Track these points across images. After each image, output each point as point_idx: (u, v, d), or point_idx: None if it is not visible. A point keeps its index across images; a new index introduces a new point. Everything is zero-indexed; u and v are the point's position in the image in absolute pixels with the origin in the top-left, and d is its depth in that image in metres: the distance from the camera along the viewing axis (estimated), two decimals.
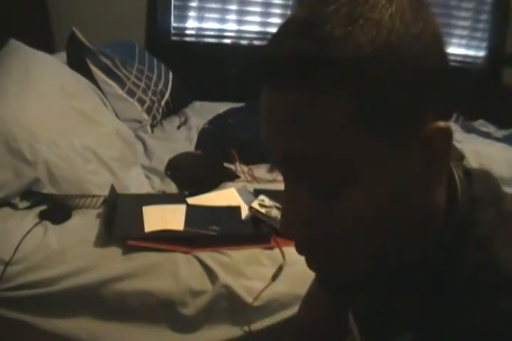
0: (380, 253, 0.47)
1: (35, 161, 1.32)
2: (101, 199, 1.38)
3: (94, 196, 1.38)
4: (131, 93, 2.07)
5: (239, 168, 1.70)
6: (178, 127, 2.17)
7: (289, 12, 2.66)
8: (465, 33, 2.87)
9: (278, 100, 0.42)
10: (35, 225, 1.23)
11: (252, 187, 1.54)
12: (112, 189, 1.37)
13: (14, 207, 1.31)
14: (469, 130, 2.29)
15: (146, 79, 2.19)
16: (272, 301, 1.15)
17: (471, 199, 0.48)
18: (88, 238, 1.21)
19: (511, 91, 2.66)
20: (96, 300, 1.14)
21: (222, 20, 2.72)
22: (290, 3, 2.66)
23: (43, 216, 1.28)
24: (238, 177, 1.65)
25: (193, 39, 2.75)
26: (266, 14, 2.67)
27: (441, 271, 0.47)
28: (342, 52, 0.39)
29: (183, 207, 1.35)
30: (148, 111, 2.11)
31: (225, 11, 2.70)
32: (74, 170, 1.38)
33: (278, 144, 0.44)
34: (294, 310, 1.07)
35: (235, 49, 2.71)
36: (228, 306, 1.15)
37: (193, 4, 2.68)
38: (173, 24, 2.68)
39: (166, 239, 1.21)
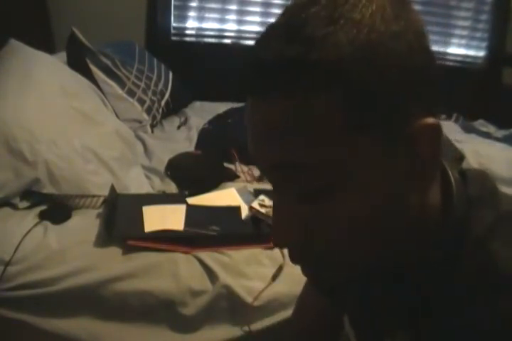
0: (375, 253, 0.47)
1: (35, 161, 1.32)
2: (101, 199, 1.38)
3: (94, 196, 1.38)
4: (131, 93, 2.07)
5: (239, 168, 1.70)
6: (178, 127, 2.17)
7: None
8: (465, 33, 2.87)
9: (264, 109, 0.42)
10: (35, 225, 1.23)
11: (252, 187, 1.54)
12: (112, 189, 1.37)
13: (14, 207, 1.31)
14: (469, 130, 2.29)
15: (146, 79, 2.19)
16: (271, 301, 1.15)
17: (467, 200, 0.48)
18: (88, 238, 1.21)
19: (511, 91, 2.66)
20: (96, 300, 1.14)
21: (222, 20, 2.72)
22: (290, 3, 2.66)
23: (43, 216, 1.28)
24: (238, 177, 1.65)
25: (193, 39, 2.75)
26: (266, 14, 2.67)
27: (439, 271, 0.47)
28: (324, 53, 0.39)
29: (183, 207, 1.35)
30: (148, 111, 2.11)
31: (225, 11, 2.70)
32: (74, 170, 1.38)
33: (267, 153, 0.43)
34: None
35: (235, 49, 2.71)
36: (228, 306, 1.15)
37: (193, 4, 2.68)
38: (173, 24, 2.68)
39: (166, 239, 1.21)
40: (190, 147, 1.91)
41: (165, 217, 1.29)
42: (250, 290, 1.15)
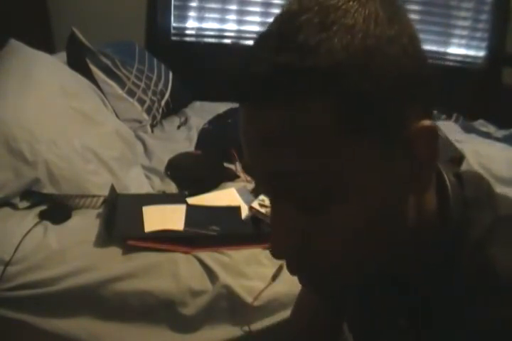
0: (373, 258, 0.46)
1: (35, 161, 1.32)
2: (101, 199, 1.38)
3: (94, 196, 1.38)
4: (131, 93, 2.07)
5: (239, 167, 1.70)
6: (178, 127, 2.17)
7: None
8: (465, 33, 2.87)
9: (259, 118, 0.41)
10: (35, 225, 1.23)
11: (252, 187, 1.54)
12: (112, 189, 1.37)
13: (14, 207, 1.31)
14: (469, 130, 2.29)
15: (146, 79, 2.19)
16: (271, 301, 1.15)
17: (463, 202, 0.48)
18: (88, 238, 1.21)
19: (511, 91, 2.66)
20: (96, 300, 1.14)
21: (222, 20, 2.72)
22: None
23: (43, 216, 1.28)
24: (238, 177, 1.65)
25: (193, 39, 2.75)
26: (266, 14, 2.67)
27: (438, 273, 0.47)
28: (319, 60, 0.39)
29: (183, 207, 1.35)
30: (148, 111, 2.11)
31: (225, 11, 2.70)
32: (74, 170, 1.38)
33: (263, 162, 0.43)
34: None
35: (235, 49, 2.71)
36: (228, 306, 1.15)
37: (193, 4, 2.68)
38: (173, 24, 2.68)
39: (166, 239, 1.21)
40: (190, 147, 1.91)
41: (165, 217, 1.29)
42: (250, 290, 1.15)
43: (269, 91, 0.40)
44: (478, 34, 2.86)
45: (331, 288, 0.50)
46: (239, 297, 1.14)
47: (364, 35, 0.39)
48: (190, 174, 1.62)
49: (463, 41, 2.88)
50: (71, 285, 1.13)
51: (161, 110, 2.20)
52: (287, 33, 0.40)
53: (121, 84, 2.05)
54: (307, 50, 0.39)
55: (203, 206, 1.37)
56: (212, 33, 2.74)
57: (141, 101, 2.09)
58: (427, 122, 0.42)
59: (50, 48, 2.14)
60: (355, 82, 0.39)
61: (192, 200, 1.40)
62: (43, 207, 1.32)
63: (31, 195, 1.34)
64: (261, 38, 0.43)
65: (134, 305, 1.14)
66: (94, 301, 1.14)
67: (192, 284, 1.15)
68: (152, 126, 2.09)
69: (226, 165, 1.70)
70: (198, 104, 2.49)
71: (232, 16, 2.71)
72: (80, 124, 1.55)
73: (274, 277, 1.17)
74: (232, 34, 2.75)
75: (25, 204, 1.33)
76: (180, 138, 2.02)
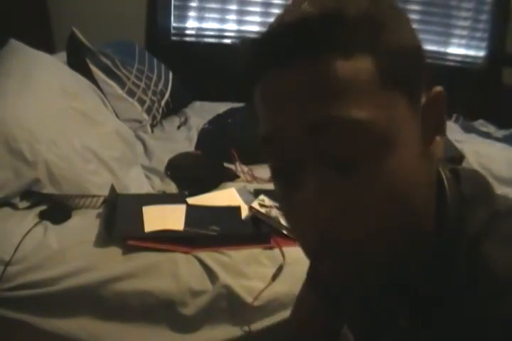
0: (401, 235, 0.45)
1: (35, 161, 1.32)
2: (101, 199, 1.38)
3: (94, 196, 1.38)
4: (131, 93, 2.07)
5: (239, 168, 1.70)
6: (178, 127, 2.17)
7: None
8: (465, 33, 2.87)
9: (311, 70, 0.41)
10: (35, 225, 1.23)
11: (252, 187, 1.54)
12: (112, 189, 1.37)
13: (14, 207, 1.31)
14: (469, 130, 2.29)
15: (146, 79, 2.19)
16: (271, 301, 1.15)
17: (460, 198, 0.48)
18: (88, 238, 1.21)
19: (511, 91, 2.66)
20: (96, 300, 1.14)
21: (222, 20, 2.72)
22: None
23: (43, 216, 1.28)
24: (238, 177, 1.65)
25: (193, 39, 2.75)
26: (266, 14, 2.67)
27: (437, 272, 0.47)
28: (363, 10, 0.41)
29: (183, 207, 1.35)
30: (148, 111, 2.11)
31: (225, 11, 2.70)
32: (74, 170, 1.38)
33: (308, 116, 0.41)
34: None
35: (235, 49, 2.71)
36: (228, 306, 1.15)
37: (193, 4, 2.68)
38: (173, 24, 2.68)
39: (166, 239, 1.21)
40: (190, 147, 1.91)
41: (165, 217, 1.29)
42: (250, 290, 1.15)
43: (327, 41, 0.41)
44: (478, 34, 2.86)
45: (356, 271, 0.46)
46: (239, 297, 1.14)
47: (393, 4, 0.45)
48: (190, 174, 1.62)
49: (463, 41, 2.88)
50: (71, 285, 1.13)
51: (161, 110, 2.20)
52: None
53: (121, 84, 2.05)
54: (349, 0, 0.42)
55: (203, 206, 1.37)
56: (212, 33, 2.74)
57: (141, 101, 2.09)
58: (438, 88, 0.47)
59: (50, 48, 2.14)
60: (392, 36, 0.42)
61: (192, 200, 1.40)
62: (43, 207, 1.32)
63: (31, 195, 1.34)
64: None
65: (134, 305, 1.14)
66: (94, 301, 1.14)
67: (192, 284, 1.15)
68: (152, 126, 2.09)
69: (226, 165, 1.71)
70: (198, 104, 2.49)
71: (232, 16, 2.71)
72: (80, 124, 1.55)
73: (274, 277, 1.17)
74: (232, 34, 2.75)
75: (25, 204, 1.33)
76: (180, 138, 2.02)
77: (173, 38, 2.70)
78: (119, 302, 1.14)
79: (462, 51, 2.89)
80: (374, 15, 0.42)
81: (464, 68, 2.87)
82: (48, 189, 1.33)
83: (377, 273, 0.46)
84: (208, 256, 1.19)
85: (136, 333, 1.14)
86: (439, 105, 0.47)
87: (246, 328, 1.14)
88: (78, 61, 1.96)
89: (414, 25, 0.47)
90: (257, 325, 1.14)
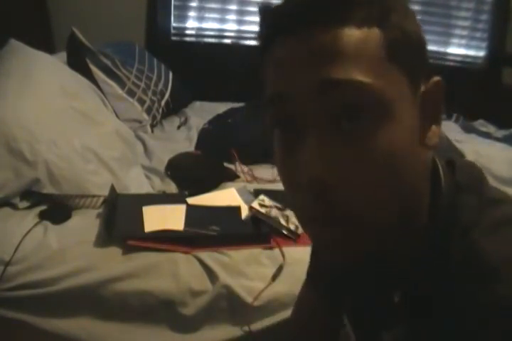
0: (393, 206, 0.46)
1: (35, 161, 1.32)
2: (101, 199, 1.38)
3: (94, 196, 1.38)
4: (131, 93, 2.07)
5: (239, 168, 1.70)
6: (178, 127, 2.17)
7: None
8: (465, 33, 2.87)
9: (328, 35, 0.44)
10: (35, 225, 1.23)
11: (252, 187, 1.54)
12: (112, 189, 1.37)
13: (14, 207, 1.31)
14: (469, 130, 2.29)
15: (146, 79, 2.19)
16: (272, 301, 1.14)
17: (454, 187, 0.50)
18: (88, 238, 1.21)
19: (511, 92, 2.66)
20: (96, 300, 1.14)
21: (222, 20, 2.72)
22: None
23: (43, 216, 1.28)
24: (238, 177, 1.65)
25: (193, 39, 2.76)
26: None
27: (430, 261, 0.48)
28: None
29: (183, 207, 1.35)
30: (148, 111, 2.11)
31: (225, 11, 2.70)
32: (74, 170, 1.38)
33: (318, 75, 0.44)
34: None
35: (235, 49, 2.71)
36: (228, 306, 1.15)
37: (193, 4, 2.68)
38: (173, 24, 2.68)
39: (166, 239, 1.21)
40: (190, 147, 1.91)
41: (165, 217, 1.29)
42: (250, 290, 1.15)
43: (341, 12, 0.44)
44: (478, 34, 2.86)
45: (356, 245, 0.47)
46: (239, 297, 1.14)
47: None
48: (190, 174, 1.62)
49: (463, 41, 2.88)
50: (71, 285, 1.13)
51: (161, 110, 2.20)
52: None
53: (121, 84, 2.05)
54: None
55: (203, 206, 1.37)
56: (212, 33, 2.75)
57: (141, 101, 2.09)
58: (437, 78, 0.49)
59: (50, 48, 2.14)
60: (400, 19, 0.46)
61: (192, 200, 1.40)
62: (43, 207, 1.32)
63: (31, 195, 1.34)
64: None
65: (134, 305, 1.14)
66: (94, 301, 1.14)
67: (192, 284, 1.15)
68: (152, 126, 2.09)
69: (226, 165, 1.71)
70: (198, 104, 2.50)
71: (232, 16, 2.71)
72: (80, 124, 1.55)
73: (274, 277, 1.17)
74: (232, 34, 2.75)
75: (25, 204, 1.33)
76: (180, 138, 2.02)
77: (173, 38, 2.70)
78: (119, 302, 1.14)
79: (462, 51, 2.89)
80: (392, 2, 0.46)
81: (464, 68, 2.87)
82: (48, 189, 1.33)
83: (376, 240, 0.47)
84: (208, 256, 1.19)
85: (136, 333, 1.14)
86: (437, 94, 0.49)
87: (246, 328, 1.14)
88: (78, 61, 1.96)
89: None
90: (257, 325, 1.14)
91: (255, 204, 1.32)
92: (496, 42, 2.80)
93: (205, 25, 2.72)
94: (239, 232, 1.29)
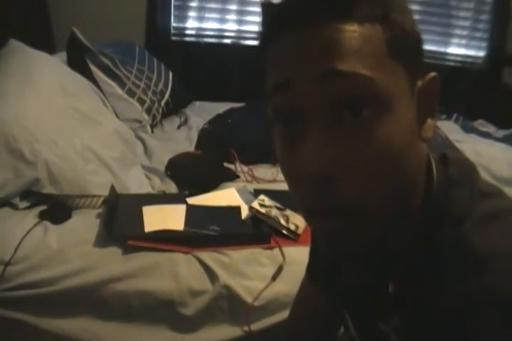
0: (395, 198, 0.47)
1: (35, 161, 1.32)
2: (101, 199, 1.38)
3: (94, 196, 1.38)
4: (131, 93, 2.07)
5: (239, 168, 1.70)
6: (178, 127, 2.17)
7: None
8: (465, 33, 2.87)
9: (335, 30, 0.45)
10: (35, 225, 1.23)
11: (252, 187, 1.54)
12: (112, 189, 1.37)
13: (14, 207, 1.31)
14: (469, 130, 2.29)
15: (146, 79, 2.19)
16: (272, 301, 1.15)
17: (446, 180, 0.51)
18: (88, 238, 1.21)
19: (511, 92, 2.66)
20: (96, 300, 1.14)
21: (222, 20, 2.72)
22: None
23: (43, 216, 1.28)
24: (238, 177, 1.65)
25: (193, 39, 2.75)
26: None
27: (419, 248, 0.50)
28: None
29: (183, 207, 1.35)
30: (148, 111, 2.11)
31: (225, 11, 2.70)
32: (74, 170, 1.38)
33: (326, 65, 0.45)
34: None
35: (235, 49, 2.71)
36: (228, 306, 1.15)
37: (193, 4, 2.68)
38: (173, 24, 2.68)
39: (166, 239, 1.21)
40: (190, 147, 1.91)
41: (165, 217, 1.29)
42: (250, 290, 1.15)
43: (346, 9, 0.45)
44: (478, 34, 2.86)
45: (359, 235, 0.48)
46: (239, 297, 1.14)
47: None
48: (190, 174, 1.62)
49: (463, 41, 2.88)
50: (71, 285, 1.13)
51: (161, 110, 2.20)
52: None
53: (121, 84, 2.05)
54: None
55: (203, 206, 1.37)
56: (212, 33, 2.74)
57: (141, 101, 2.09)
58: (432, 73, 0.50)
59: (50, 48, 2.14)
60: (399, 17, 0.47)
61: (192, 200, 1.40)
62: (43, 207, 1.32)
63: (31, 195, 1.34)
64: None
65: (134, 305, 1.14)
66: (94, 301, 1.14)
67: (192, 284, 1.15)
68: (152, 126, 2.09)
69: (226, 165, 1.71)
70: (198, 104, 2.50)
71: (232, 16, 2.71)
72: (80, 124, 1.55)
73: (274, 277, 1.17)
74: (232, 34, 2.75)
75: (25, 204, 1.33)
76: (180, 138, 2.02)
77: (173, 38, 2.70)
78: (119, 302, 1.14)
79: (462, 51, 2.89)
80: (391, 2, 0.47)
81: (464, 68, 2.87)
82: (48, 189, 1.33)
83: (378, 230, 0.48)
84: (208, 256, 1.19)
85: (137, 333, 1.14)
86: (433, 89, 0.50)
87: (246, 328, 1.14)
88: (78, 61, 1.96)
89: None
90: (257, 325, 1.14)
91: (255, 204, 1.32)
92: (496, 42, 2.80)
93: (205, 25, 2.72)
94: (239, 232, 1.29)
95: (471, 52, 2.89)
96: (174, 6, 2.65)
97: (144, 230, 1.23)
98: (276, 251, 1.23)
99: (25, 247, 1.17)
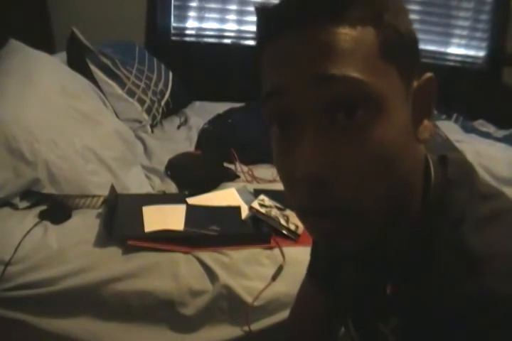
0: (390, 201, 0.47)
1: (35, 161, 1.32)
2: (101, 199, 1.38)
3: (94, 196, 1.38)
4: (131, 93, 2.07)
5: (239, 168, 1.70)
6: (178, 127, 2.17)
7: None
8: (465, 33, 2.87)
9: (328, 33, 0.45)
10: (35, 225, 1.23)
11: (252, 187, 1.54)
12: (112, 189, 1.37)
13: (14, 207, 1.31)
14: (469, 130, 2.29)
15: (146, 79, 2.19)
16: (272, 301, 1.15)
17: (444, 181, 0.51)
18: (88, 238, 1.21)
19: (511, 92, 2.66)
20: (96, 300, 1.14)
21: (222, 20, 2.72)
22: None
23: (43, 216, 1.28)
24: (238, 177, 1.65)
25: (193, 39, 2.75)
26: None
27: (417, 249, 0.50)
28: None
29: (183, 207, 1.35)
30: (148, 111, 2.11)
31: (225, 11, 2.70)
32: (74, 170, 1.38)
33: (309, 68, 0.45)
34: None
35: (235, 49, 2.71)
36: (228, 306, 1.15)
37: (193, 4, 2.68)
38: (173, 24, 2.68)
39: (166, 239, 1.21)
40: (190, 147, 1.91)
41: (165, 217, 1.29)
42: (250, 290, 1.15)
43: (337, 12, 0.45)
44: (478, 34, 2.86)
45: (354, 235, 0.48)
46: (239, 297, 1.14)
47: None
48: (190, 174, 1.62)
49: (463, 41, 2.88)
50: (71, 285, 1.13)
51: (161, 110, 2.20)
52: None
53: (121, 84, 2.05)
54: None
55: (203, 206, 1.37)
56: (212, 33, 2.74)
57: (141, 101, 2.09)
58: (429, 74, 0.50)
59: (50, 48, 2.14)
60: (392, 18, 0.47)
61: (192, 200, 1.40)
62: (43, 207, 1.32)
63: (31, 195, 1.34)
64: None
65: (134, 305, 1.14)
66: (94, 301, 1.14)
67: (192, 284, 1.15)
68: (152, 126, 2.09)
69: (226, 165, 1.71)
70: (198, 104, 2.50)
71: (232, 16, 2.71)
72: (80, 124, 1.55)
73: (274, 277, 1.17)
74: (232, 34, 2.75)
75: (25, 204, 1.33)
76: (180, 138, 2.02)
77: (173, 38, 2.70)
78: (119, 302, 1.14)
79: (462, 51, 2.89)
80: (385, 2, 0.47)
81: (464, 68, 2.87)
82: (48, 189, 1.33)
83: (373, 230, 0.48)
84: (208, 256, 1.19)
85: (137, 333, 1.14)
86: (429, 90, 0.50)
87: (246, 328, 1.14)
88: (78, 61, 1.96)
89: (414, 26, 0.50)
90: (257, 325, 1.14)
91: (255, 204, 1.32)
92: (496, 42, 2.80)
93: (205, 25, 2.72)
94: (239, 232, 1.29)
95: (471, 52, 2.89)
96: (174, 6, 2.65)
97: (143, 230, 1.23)
98: (276, 251, 1.23)
99: (25, 247, 1.17)
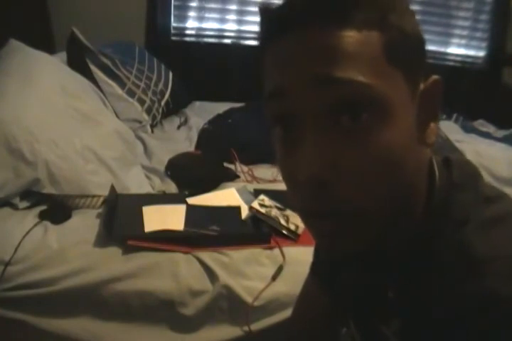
0: (393, 203, 0.47)
1: (35, 161, 1.32)
2: (101, 199, 1.38)
3: (94, 196, 1.38)
4: (131, 93, 2.07)
5: (239, 168, 1.70)
6: (178, 127, 2.17)
7: None
8: (465, 33, 2.87)
9: (331, 36, 0.45)
10: (35, 225, 1.23)
11: (252, 187, 1.54)
12: (112, 189, 1.37)
13: (14, 207, 1.31)
14: (469, 130, 2.29)
15: (146, 79, 2.19)
16: (272, 301, 1.15)
17: (449, 184, 0.51)
18: (88, 238, 1.21)
19: (511, 92, 2.66)
20: (96, 300, 1.14)
21: (222, 20, 2.72)
22: None
23: (43, 216, 1.28)
24: (238, 177, 1.65)
25: (193, 39, 2.75)
26: None
27: (420, 250, 0.50)
28: None
29: (183, 207, 1.35)
30: (148, 111, 2.11)
31: (225, 11, 2.70)
32: (74, 170, 1.38)
33: (313, 70, 0.45)
34: None
35: (235, 49, 2.71)
36: (228, 306, 1.15)
37: (193, 4, 2.68)
38: (173, 24, 2.68)
39: (166, 239, 1.21)
40: (190, 147, 1.91)
41: (165, 217, 1.29)
42: (250, 290, 1.15)
43: (342, 14, 0.45)
44: (478, 34, 2.86)
45: (356, 235, 0.48)
46: (239, 297, 1.14)
47: None
48: (190, 174, 1.62)
49: (463, 41, 2.88)
50: (71, 285, 1.13)
51: (161, 110, 2.20)
52: None
53: (121, 84, 2.05)
54: None
55: (203, 206, 1.37)
56: (212, 33, 2.74)
57: (141, 101, 2.09)
58: (435, 76, 0.50)
59: (50, 48, 2.14)
60: (398, 20, 0.46)
61: (192, 200, 1.40)
62: (43, 207, 1.32)
63: (31, 195, 1.34)
64: None
65: (134, 305, 1.14)
66: (94, 301, 1.14)
67: (192, 284, 1.15)
68: (152, 126, 2.09)
69: (226, 165, 1.71)
70: (198, 104, 2.50)
71: (232, 16, 2.71)
72: (80, 124, 1.55)
73: (274, 277, 1.17)
74: (232, 34, 2.75)
75: (25, 204, 1.33)
76: (180, 138, 2.02)
77: (173, 38, 2.70)
78: (119, 302, 1.14)
79: (462, 51, 2.89)
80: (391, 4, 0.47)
81: (464, 68, 2.87)
82: (48, 189, 1.33)
83: (375, 232, 0.48)
84: (208, 256, 1.19)
85: (137, 333, 1.14)
86: (435, 93, 0.50)
87: (246, 328, 1.14)
88: (78, 61, 1.96)
89: None
90: (257, 325, 1.14)
91: (255, 204, 1.32)
92: (496, 42, 2.80)
93: (205, 25, 2.72)
94: (239, 232, 1.29)
95: (471, 52, 2.89)
96: (174, 6, 2.65)
97: (144, 230, 1.23)
98: (276, 251, 1.23)
99: (25, 247, 1.17)
